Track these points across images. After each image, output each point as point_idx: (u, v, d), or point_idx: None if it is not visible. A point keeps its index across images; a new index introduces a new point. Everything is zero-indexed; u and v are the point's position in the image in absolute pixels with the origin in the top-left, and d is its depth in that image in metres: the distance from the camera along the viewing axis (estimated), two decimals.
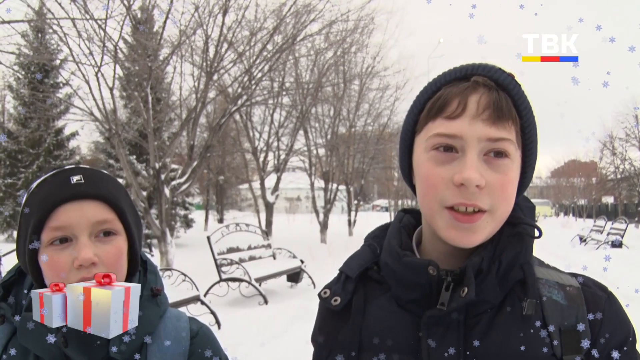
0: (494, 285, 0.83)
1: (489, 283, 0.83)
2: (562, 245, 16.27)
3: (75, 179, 0.98)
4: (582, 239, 17.93)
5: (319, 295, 0.98)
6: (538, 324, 0.82)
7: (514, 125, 0.82)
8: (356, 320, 0.91)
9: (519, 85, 0.85)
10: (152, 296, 1.07)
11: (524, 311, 0.81)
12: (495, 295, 0.84)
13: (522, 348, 0.80)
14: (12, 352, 0.96)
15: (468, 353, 0.82)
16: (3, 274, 4.51)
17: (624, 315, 0.87)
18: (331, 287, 0.98)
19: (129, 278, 1.05)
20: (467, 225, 0.82)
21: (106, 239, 0.98)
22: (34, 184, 1.02)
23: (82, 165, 1.04)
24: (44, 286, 0.98)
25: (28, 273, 1.00)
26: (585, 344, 0.81)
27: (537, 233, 0.88)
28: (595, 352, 0.81)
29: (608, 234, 16.68)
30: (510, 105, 0.82)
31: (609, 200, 45.29)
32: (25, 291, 1.04)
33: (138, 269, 1.08)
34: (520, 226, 0.87)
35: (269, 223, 16.49)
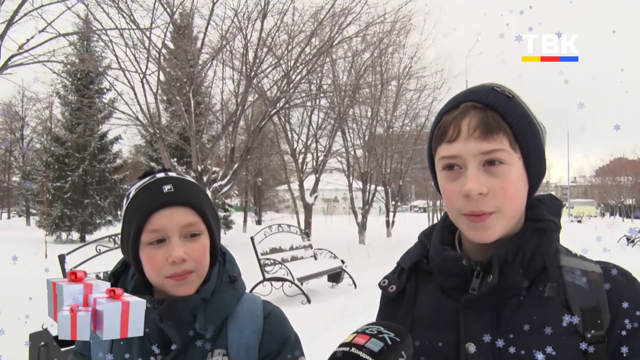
0: (518, 272, 0.97)
1: (514, 270, 0.97)
2: (609, 247, 15.76)
3: (166, 188, 1.14)
4: (630, 240, 17.37)
5: (379, 284, 1.15)
6: (561, 305, 0.95)
7: (506, 135, 0.96)
8: (408, 305, 1.09)
9: (509, 99, 0.99)
10: (230, 282, 1.23)
11: (545, 293, 0.95)
12: (521, 280, 0.97)
13: (546, 325, 0.94)
14: None
15: (499, 330, 0.96)
16: (66, 271, 4.76)
17: None
18: (389, 277, 1.16)
19: (210, 268, 1.20)
20: (479, 224, 0.97)
21: (193, 239, 1.14)
22: (132, 191, 1.18)
23: (170, 175, 1.19)
24: (145, 277, 1.16)
25: (132, 265, 1.18)
26: (605, 321, 0.93)
27: (555, 227, 1.01)
28: (616, 330, 0.93)
29: None
30: (499, 120, 0.96)
31: None
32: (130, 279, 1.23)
33: (218, 260, 1.24)
34: (541, 222, 1.01)
35: (307, 224, 16.63)
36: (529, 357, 0.92)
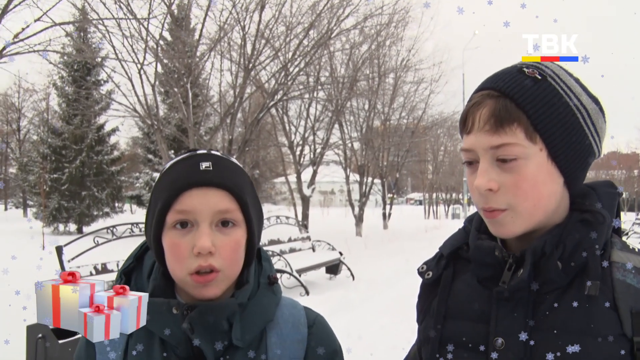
0: (555, 267, 0.89)
1: (551, 265, 0.89)
2: None
3: (204, 165, 0.98)
4: (624, 233, 17.45)
5: (418, 269, 1.09)
6: (606, 304, 0.86)
7: (521, 127, 0.88)
8: (443, 292, 1.03)
9: (535, 82, 0.90)
10: (269, 284, 1.07)
11: (586, 291, 0.86)
12: (560, 276, 0.90)
13: (586, 325, 0.86)
14: (138, 334, 0.97)
15: (533, 326, 0.90)
16: (65, 264, 4.70)
17: None
18: (428, 263, 1.10)
19: (245, 268, 1.04)
20: (492, 220, 0.93)
21: (225, 229, 0.98)
22: (167, 165, 1.03)
23: (213, 152, 1.04)
24: (165, 266, 1.00)
25: (152, 250, 1.02)
26: None
27: (602, 219, 0.92)
28: None
29: None
30: (512, 109, 0.89)
31: None
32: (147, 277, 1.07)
33: (254, 259, 1.07)
34: (587, 213, 0.93)
35: (305, 216, 16.63)
36: (563, 358, 0.86)
